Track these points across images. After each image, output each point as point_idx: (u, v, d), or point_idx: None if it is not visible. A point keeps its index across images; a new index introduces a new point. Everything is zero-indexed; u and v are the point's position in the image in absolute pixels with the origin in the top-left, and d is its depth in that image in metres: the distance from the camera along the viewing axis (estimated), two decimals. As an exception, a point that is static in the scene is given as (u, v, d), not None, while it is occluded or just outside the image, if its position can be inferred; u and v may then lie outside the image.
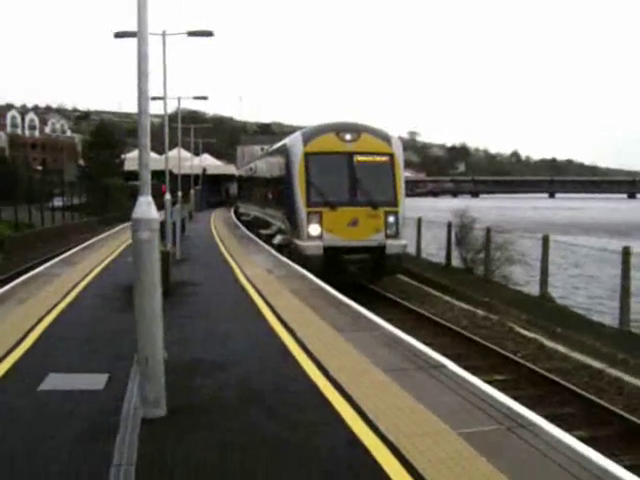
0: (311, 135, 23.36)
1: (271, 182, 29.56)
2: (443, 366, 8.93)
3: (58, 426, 6.67)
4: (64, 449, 6.08)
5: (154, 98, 26.86)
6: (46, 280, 17.06)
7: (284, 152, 24.26)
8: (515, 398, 7.72)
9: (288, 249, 23.70)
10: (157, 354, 6.92)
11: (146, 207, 6.88)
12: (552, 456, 5.92)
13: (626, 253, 17.89)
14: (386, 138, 23.53)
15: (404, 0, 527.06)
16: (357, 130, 23.20)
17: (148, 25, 7.12)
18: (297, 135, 24.10)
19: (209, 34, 25.41)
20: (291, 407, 7.28)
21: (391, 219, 22.50)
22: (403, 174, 23.55)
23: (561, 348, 15.71)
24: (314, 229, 22.07)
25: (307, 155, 22.60)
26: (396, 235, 22.58)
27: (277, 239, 26.05)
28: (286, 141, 25.43)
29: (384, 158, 23.09)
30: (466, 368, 9.10)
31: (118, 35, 24.40)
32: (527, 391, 12.43)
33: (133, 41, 22.90)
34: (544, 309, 19.69)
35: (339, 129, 23.13)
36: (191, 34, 25.40)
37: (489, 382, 8.51)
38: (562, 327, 17.33)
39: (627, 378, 13.36)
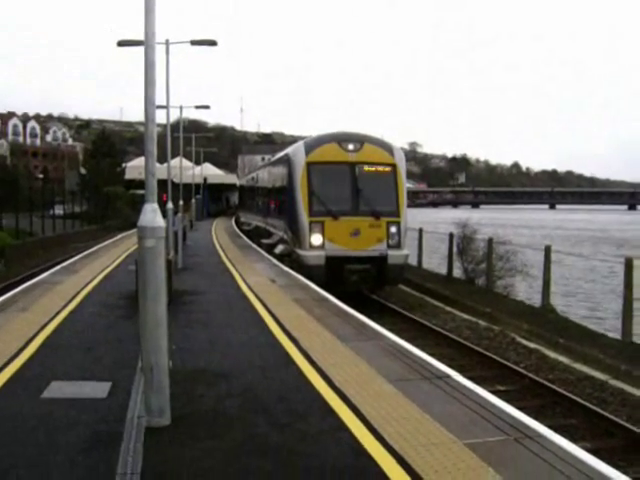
0: (313, 145, 23.35)
1: (273, 191, 29.53)
2: (448, 376, 8.90)
3: (61, 434, 6.63)
4: (68, 458, 6.05)
5: (157, 107, 26.87)
6: (47, 288, 17.03)
7: (286, 162, 24.24)
8: (518, 409, 7.68)
9: (290, 259, 23.65)
10: (162, 362, 6.89)
11: (152, 214, 6.86)
12: (559, 467, 5.88)
13: (628, 264, 17.83)
14: (388, 148, 23.52)
15: (407, 12, 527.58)
16: (359, 140, 23.19)
17: (155, 34, 7.12)
18: (299, 145, 24.09)
19: (213, 43, 25.47)
20: (295, 417, 7.25)
21: (393, 229, 22.45)
22: (405, 184, 23.53)
23: (564, 359, 15.69)
24: (316, 239, 22.03)
25: (309, 165, 22.58)
26: (398, 245, 22.54)
27: (279, 248, 26.00)
28: (288, 151, 25.41)
29: (386, 168, 23.06)
30: (469, 379, 9.05)
31: (121, 44, 24.45)
32: (530, 402, 12.38)
33: (136, 50, 22.78)
34: (546, 320, 19.64)
35: (341, 139, 23.12)
36: (195, 43, 25.45)
37: (492, 393, 8.46)
38: (564, 338, 17.29)
39: (630, 389, 13.34)
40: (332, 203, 22.35)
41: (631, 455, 10.04)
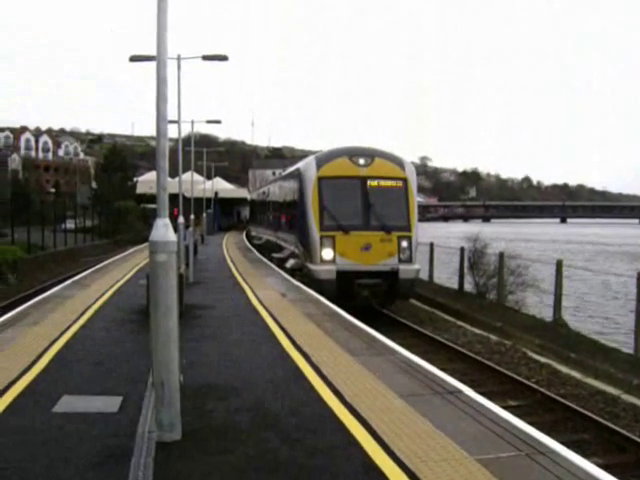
0: (325, 159, 23.36)
1: (284, 206, 29.53)
2: (459, 391, 8.87)
3: (72, 449, 6.63)
4: (78, 472, 6.04)
5: (168, 122, 26.96)
6: (58, 302, 17.07)
7: (297, 176, 24.27)
8: (529, 424, 7.64)
9: (301, 273, 23.63)
10: (173, 377, 6.89)
11: (164, 229, 6.87)
12: (572, 483, 5.85)
13: (640, 278, 17.77)
14: (399, 163, 23.51)
15: (419, 26, 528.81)
16: (371, 154, 23.20)
17: (167, 49, 7.16)
18: (311, 159, 24.13)
19: (224, 58, 25.52)
20: (306, 432, 7.23)
21: (404, 244, 22.40)
22: (416, 199, 23.52)
23: (575, 374, 15.62)
24: (327, 253, 22.01)
25: (321, 179, 22.59)
26: (409, 260, 22.49)
27: (290, 263, 26.00)
28: (300, 165, 25.45)
29: (397, 183, 23.05)
30: (480, 394, 9.02)
31: (133, 59, 24.55)
32: (541, 417, 12.35)
33: (148, 65, 22.88)
34: (558, 334, 19.57)
35: (353, 153, 23.13)
36: (206, 58, 25.50)
37: (503, 408, 8.42)
38: (576, 352, 17.22)
39: (643, 405, 13.26)
40: (343, 217, 22.35)
41: (644, 471, 9.98)
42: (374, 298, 22.21)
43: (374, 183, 22.73)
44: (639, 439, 10.98)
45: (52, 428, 7.24)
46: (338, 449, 6.70)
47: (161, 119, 7.16)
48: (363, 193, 22.61)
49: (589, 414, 12.22)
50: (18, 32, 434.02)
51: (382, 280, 22.06)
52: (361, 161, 22.83)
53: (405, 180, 23.10)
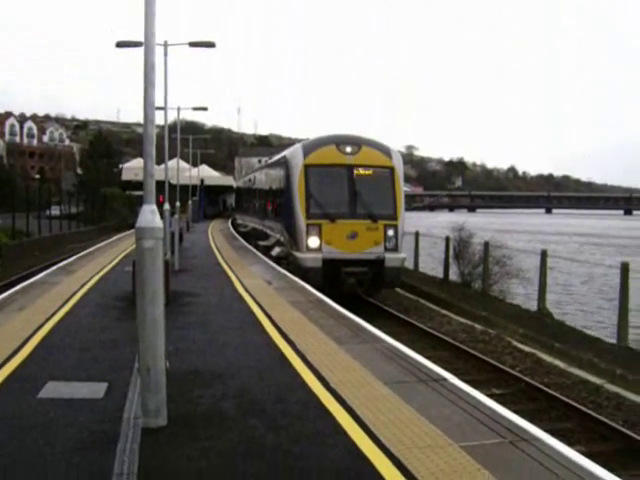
0: (311, 147, 23.31)
1: (270, 194, 29.49)
2: (444, 379, 8.91)
3: (57, 434, 6.63)
4: (64, 458, 6.05)
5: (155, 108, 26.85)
6: (44, 288, 17.03)
7: (284, 164, 24.23)
8: (513, 412, 7.69)
9: (287, 261, 23.64)
10: (159, 363, 6.90)
11: (150, 215, 6.87)
12: (555, 470, 5.90)
13: (624, 269, 17.89)
14: (386, 151, 23.49)
15: (403, 14, 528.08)
16: (357, 143, 23.15)
17: (155, 35, 7.14)
18: (297, 147, 24.07)
19: (211, 45, 25.39)
20: (291, 418, 7.25)
21: (390, 232, 22.42)
22: (403, 187, 23.52)
23: (559, 363, 15.72)
24: (313, 241, 22.01)
25: (307, 167, 22.55)
26: (395, 248, 22.52)
27: (275, 251, 26.00)
28: (286, 153, 25.40)
29: (384, 171, 23.03)
30: (465, 382, 9.06)
31: (120, 44, 24.40)
32: (525, 405, 12.39)
33: (134, 51, 22.72)
34: (542, 324, 19.67)
35: (339, 141, 23.08)
36: (193, 45, 25.37)
37: (487, 396, 8.47)
38: (560, 342, 17.31)
39: (626, 394, 13.37)
40: (329, 206, 22.35)
41: (626, 459, 10.07)
42: (360, 286, 22.19)
43: (361, 171, 22.70)
44: (621, 428, 11.08)
45: (37, 414, 7.23)
46: (323, 435, 6.73)
47: (148, 105, 7.14)
48: (349, 181, 22.59)
49: (572, 403, 12.30)
50: (3, 16, 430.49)
51: (368, 268, 22.07)
52: (348, 149, 22.78)
53: (392, 169, 23.09)
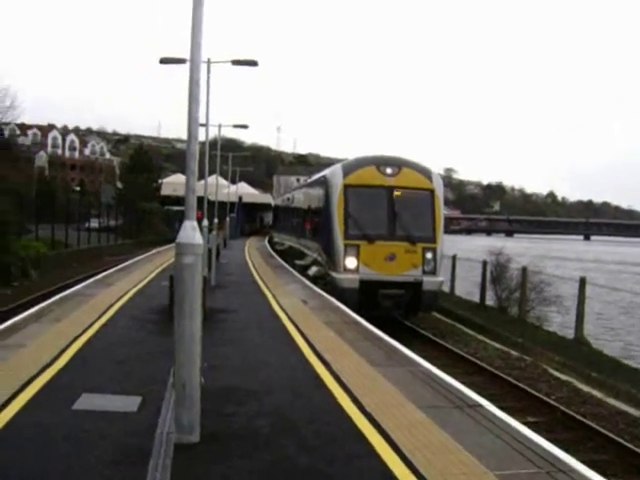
0: (351, 167, 23.27)
1: (308, 213, 29.44)
2: (480, 405, 8.81)
3: (91, 447, 6.64)
4: (96, 471, 6.05)
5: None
6: (81, 300, 17.16)
7: (323, 183, 24.21)
8: (548, 441, 7.57)
9: (323, 281, 23.54)
10: (194, 379, 6.90)
11: (191, 231, 6.90)
12: (593, 503, 5.78)
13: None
14: (427, 173, 23.35)
15: (446, 37, 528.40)
16: (398, 164, 23.03)
17: (201, 52, 7.19)
18: (337, 167, 24.05)
19: (254, 64, 25.54)
20: (325, 439, 7.21)
21: (429, 255, 22.19)
22: (443, 210, 23.36)
23: (596, 393, 15.48)
24: (351, 262, 21.86)
25: (347, 187, 22.45)
26: (434, 272, 22.30)
27: (312, 270, 25.95)
28: (326, 172, 25.39)
29: (424, 193, 22.86)
30: (500, 409, 8.95)
31: (163, 61, 24.65)
32: (561, 435, 12.19)
33: (176, 67, 22.93)
34: (579, 352, 19.44)
35: (380, 162, 22.98)
36: (236, 63, 25.52)
37: (522, 424, 8.35)
38: (597, 371, 17.07)
39: (664, 427, 13.11)
40: (368, 227, 22.20)
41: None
42: (397, 309, 22.04)
43: (400, 193, 22.50)
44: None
45: (71, 425, 7.26)
46: (357, 458, 6.67)
47: (192, 121, 7.18)
48: (389, 203, 22.41)
49: (609, 434, 12.09)
50: (49, 29, 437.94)
51: (405, 291, 21.85)
52: (388, 170, 22.66)
53: (432, 191, 22.92)
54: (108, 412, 7.81)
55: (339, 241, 22.06)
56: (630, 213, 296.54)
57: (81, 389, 8.64)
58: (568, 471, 6.52)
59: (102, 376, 9.57)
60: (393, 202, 22.42)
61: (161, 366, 9.86)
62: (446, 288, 29.48)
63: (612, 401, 14.88)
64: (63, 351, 10.92)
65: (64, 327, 13.16)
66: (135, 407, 8.04)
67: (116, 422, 7.45)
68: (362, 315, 16.89)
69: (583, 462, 7.02)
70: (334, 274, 22.12)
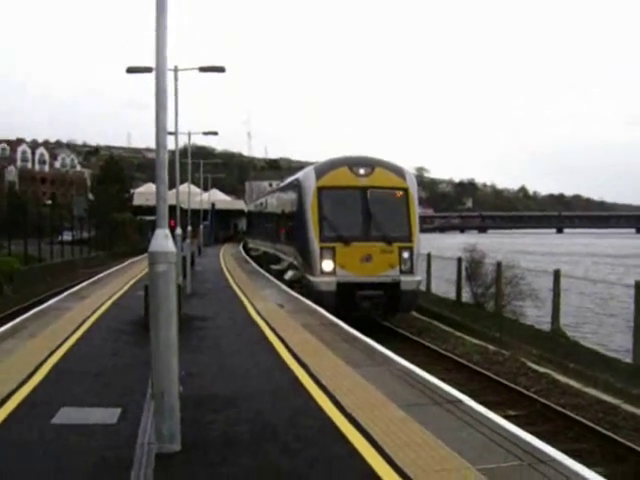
0: (324, 169, 23.15)
1: (283, 217, 29.28)
2: (459, 401, 8.84)
3: (71, 460, 6.59)
4: (78, 484, 6.01)
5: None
6: (56, 314, 17.03)
7: (296, 186, 24.11)
8: (529, 434, 7.61)
9: (300, 285, 23.43)
10: (173, 388, 6.86)
11: (163, 240, 6.87)
12: (574, 493, 5.82)
13: (638, 287, 17.72)
14: (400, 172, 23.33)
15: (416, 35, 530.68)
16: (371, 164, 22.96)
17: (167, 60, 7.17)
18: (310, 169, 23.97)
19: (221, 70, 25.47)
20: (306, 442, 7.19)
21: (406, 255, 22.13)
22: (417, 209, 23.33)
23: (574, 383, 15.59)
24: (327, 265, 21.76)
25: (320, 190, 22.34)
26: (411, 271, 22.25)
27: (289, 275, 25.85)
28: (299, 175, 25.30)
29: (398, 193, 22.83)
30: (480, 404, 8.99)
31: (130, 70, 24.55)
32: (541, 427, 12.26)
33: (144, 76, 22.86)
34: (556, 344, 19.54)
35: (352, 163, 22.90)
36: (203, 70, 25.44)
37: (503, 418, 8.40)
38: (575, 362, 17.19)
39: (643, 414, 13.24)
40: (343, 228, 22.10)
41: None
42: (375, 310, 21.92)
43: (375, 193, 22.42)
44: (639, 448, 10.95)
45: (51, 440, 7.20)
46: (339, 459, 6.67)
47: (161, 129, 7.15)
48: (363, 203, 22.30)
49: (589, 424, 12.19)
50: (15, 44, 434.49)
51: (383, 292, 21.72)
52: (361, 171, 22.58)
53: (406, 190, 22.89)
54: (87, 425, 7.75)
55: (314, 244, 21.95)
56: (601, 205, 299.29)
57: (59, 403, 8.56)
58: (549, 462, 6.56)
59: (80, 389, 9.49)
60: (367, 202, 22.31)
61: (139, 376, 9.82)
62: (422, 286, 29.51)
63: (591, 391, 14.99)
64: (39, 366, 10.82)
65: (40, 342, 13.04)
66: (115, 419, 7.98)
67: (96, 435, 7.40)
68: (340, 317, 16.87)
69: (564, 452, 7.06)
70: (311, 277, 22.03)
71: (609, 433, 11.69)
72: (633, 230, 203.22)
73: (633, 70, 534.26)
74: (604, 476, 6.54)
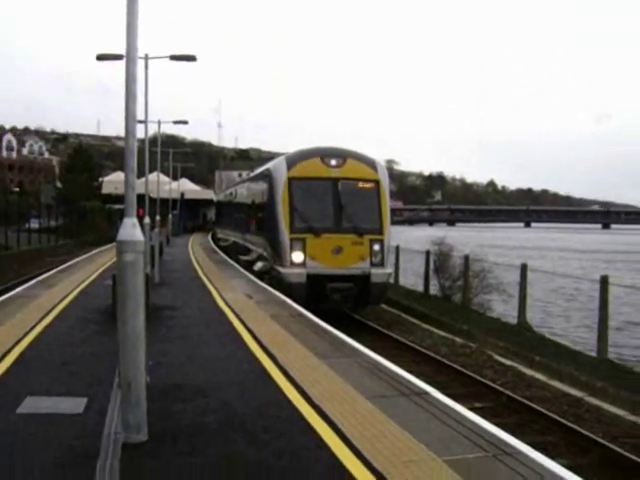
0: (295, 160, 22.97)
1: (252, 207, 29.09)
2: (426, 393, 8.90)
3: (37, 450, 6.54)
4: (43, 474, 5.97)
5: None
6: (23, 302, 16.85)
7: (267, 177, 23.95)
8: (495, 425, 7.68)
9: (269, 276, 23.31)
10: (140, 378, 6.83)
11: (131, 229, 6.83)
12: (538, 484, 5.89)
13: (604, 282, 17.94)
14: (372, 164, 23.21)
15: (386, 27, 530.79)
16: (342, 155, 22.82)
17: (137, 48, 7.12)
18: (281, 160, 23.81)
19: (192, 59, 25.33)
20: (273, 433, 7.20)
21: (376, 247, 22.02)
22: (389, 201, 23.25)
23: (540, 376, 15.75)
24: (297, 256, 21.62)
25: (291, 180, 22.17)
26: (381, 263, 22.15)
27: (258, 266, 25.73)
28: (269, 166, 25.17)
29: (370, 184, 22.69)
30: (446, 395, 9.05)
31: (100, 57, 24.35)
32: (507, 419, 12.37)
33: (114, 63, 22.65)
34: (522, 337, 19.70)
35: (324, 154, 22.74)
36: (174, 58, 25.28)
37: (469, 410, 8.46)
38: (540, 355, 17.34)
39: (606, 406, 13.42)
40: (314, 220, 21.92)
41: (607, 471, 10.09)
42: (345, 302, 21.84)
43: (346, 184, 22.27)
44: (602, 440, 11.10)
45: (16, 430, 7.13)
46: (306, 450, 6.69)
47: (130, 117, 7.10)
48: (334, 195, 22.15)
49: (554, 416, 12.32)
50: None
51: (353, 284, 21.61)
52: (333, 162, 22.41)
53: (377, 182, 22.79)
54: (53, 414, 7.70)
55: (285, 235, 21.78)
56: (568, 199, 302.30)
57: (25, 392, 8.48)
58: (514, 453, 6.62)
59: (46, 378, 9.42)
60: (338, 194, 22.16)
61: (106, 366, 9.76)
62: (390, 279, 29.62)
63: (556, 384, 15.15)
64: (5, 355, 10.72)
65: (6, 330, 12.91)
66: (81, 408, 7.93)
67: (62, 424, 7.35)
68: (310, 309, 16.85)
69: (529, 444, 7.13)
70: (280, 269, 21.90)
71: (574, 425, 11.83)
72: (599, 226, 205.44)
73: (603, 66, 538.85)
74: (567, 467, 6.61)
